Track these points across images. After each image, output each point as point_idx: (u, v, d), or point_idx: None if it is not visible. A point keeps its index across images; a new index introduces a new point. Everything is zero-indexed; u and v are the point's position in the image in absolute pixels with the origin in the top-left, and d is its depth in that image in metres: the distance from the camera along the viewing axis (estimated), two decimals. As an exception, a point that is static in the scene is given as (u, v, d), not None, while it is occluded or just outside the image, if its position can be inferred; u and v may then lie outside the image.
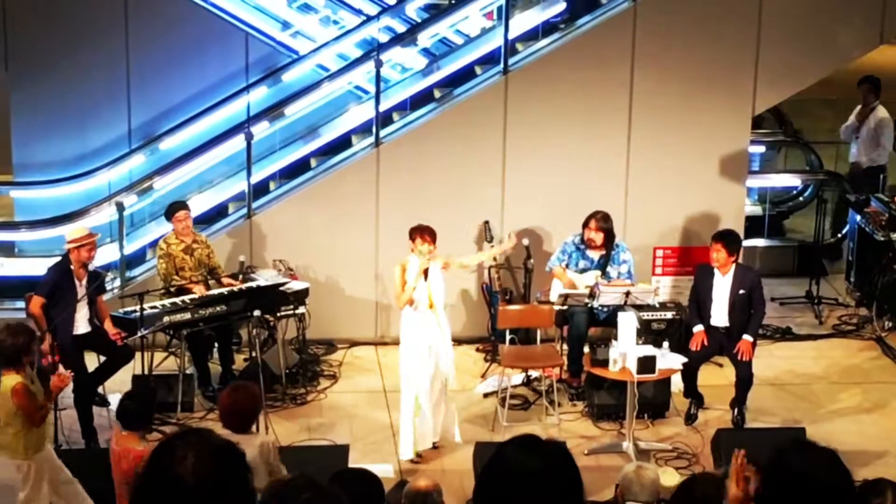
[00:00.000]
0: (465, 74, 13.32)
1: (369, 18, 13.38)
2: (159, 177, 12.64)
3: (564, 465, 3.67)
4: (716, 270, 10.95)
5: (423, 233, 10.31)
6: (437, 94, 13.27)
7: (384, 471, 9.63)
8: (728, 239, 10.99)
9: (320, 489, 3.60)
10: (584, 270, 11.54)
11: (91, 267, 10.76)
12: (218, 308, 11.04)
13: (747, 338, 10.81)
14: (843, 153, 16.54)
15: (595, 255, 11.54)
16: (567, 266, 11.61)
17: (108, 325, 10.73)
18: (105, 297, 11.35)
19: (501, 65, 12.60)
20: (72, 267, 10.46)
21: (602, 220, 11.47)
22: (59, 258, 10.66)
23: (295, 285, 11.59)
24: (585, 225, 11.49)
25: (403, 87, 13.46)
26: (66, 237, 10.67)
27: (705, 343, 10.90)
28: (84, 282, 10.53)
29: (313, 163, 13.16)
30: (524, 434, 3.80)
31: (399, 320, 10.49)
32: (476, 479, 3.77)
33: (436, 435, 10.46)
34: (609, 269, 11.51)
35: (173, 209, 11.54)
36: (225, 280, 11.53)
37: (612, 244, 11.54)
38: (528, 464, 3.63)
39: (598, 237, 11.44)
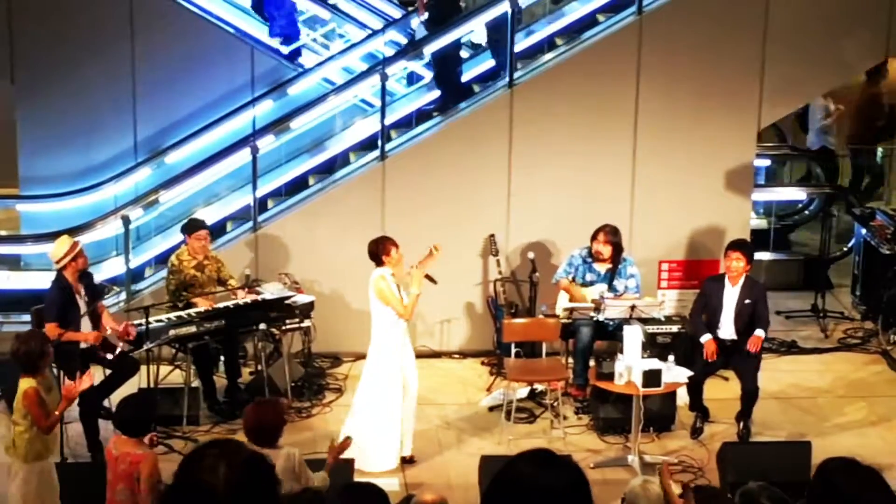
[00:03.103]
0: (470, 88, 13.37)
1: (375, 32, 13.40)
2: (165, 190, 12.65)
3: (578, 482, 3.61)
4: (726, 282, 10.95)
5: (393, 242, 10.34)
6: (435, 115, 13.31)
7: (390, 484, 9.61)
8: (747, 248, 11.03)
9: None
10: (590, 283, 11.54)
11: (96, 280, 10.76)
12: (224, 321, 11.04)
13: (759, 333, 10.81)
14: (849, 167, 16.53)
15: (602, 268, 11.54)
16: (574, 279, 11.61)
17: (107, 319, 10.68)
18: (111, 311, 11.33)
19: (507, 78, 12.62)
20: (69, 283, 10.42)
21: (611, 234, 11.47)
22: (55, 276, 10.57)
23: (300, 299, 11.59)
24: (594, 238, 11.49)
25: (409, 100, 13.48)
26: (53, 257, 10.51)
27: (713, 356, 10.88)
28: (83, 294, 10.51)
29: (311, 180, 13.15)
30: (537, 448, 3.72)
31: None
32: (484, 493, 3.73)
33: (406, 448, 10.51)
34: (616, 282, 11.50)
35: (195, 226, 11.49)
36: (240, 292, 11.50)
37: (620, 258, 11.54)
38: (541, 480, 3.57)
39: (607, 250, 11.44)
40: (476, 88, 13.18)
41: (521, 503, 3.54)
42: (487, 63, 13.56)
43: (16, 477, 8.60)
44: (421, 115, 13.28)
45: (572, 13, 13.41)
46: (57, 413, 8.63)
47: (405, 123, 13.26)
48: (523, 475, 3.59)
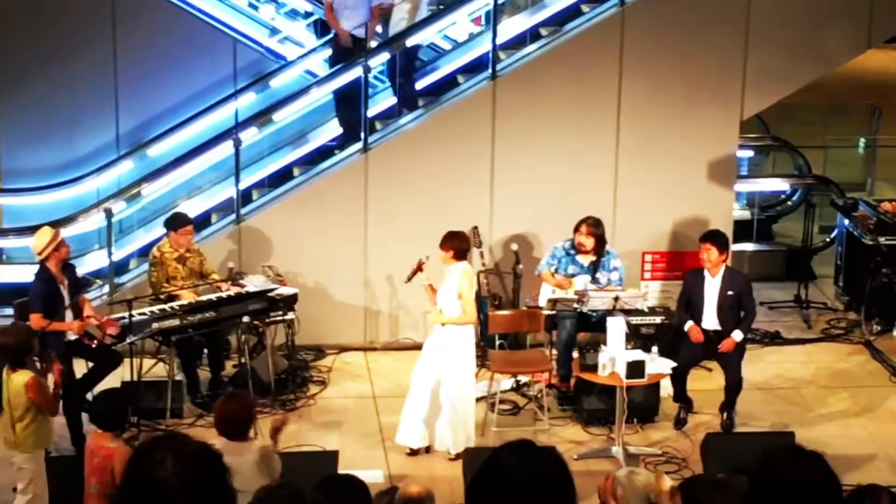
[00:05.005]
0: (453, 80, 13.34)
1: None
2: (147, 183, 12.60)
3: (559, 471, 3.66)
4: (706, 273, 10.95)
5: (448, 243, 10.43)
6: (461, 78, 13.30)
7: (373, 476, 9.61)
8: (717, 238, 11.00)
9: (304, 498, 3.61)
10: (573, 276, 11.52)
11: (79, 273, 10.73)
12: (207, 314, 11.02)
13: (735, 335, 10.81)
14: (832, 157, 16.58)
15: (585, 260, 11.52)
16: (556, 272, 11.59)
17: (89, 311, 10.65)
18: (94, 304, 11.30)
19: (489, 70, 12.61)
20: (53, 274, 10.38)
21: (593, 226, 11.44)
22: (38, 269, 10.49)
23: (284, 291, 11.56)
24: (576, 229, 11.47)
25: (391, 93, 13.46)
26: (35, 249, 10.42)
27: (700, 337, 10.88)
28: (66, 285, 10.47)
29: (296, 171, 13.13)
30: (519, 439, 3.78)
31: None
32: (468, 484, 3.76)
33: (435, 442, 10.50)
34: (598, 275, 11.49)
35: (181, 222, 11.43)
36: (223, 285, 11.47)
37: (603, 250, 11.53)
38: (523, 470, 3.62)
39: (589, 242, 11.42)
40: (378, 125, 13.13)
41: (505, 493, 3.59)
42: (390, 100, 13.38)
43: (24, 470, 8.69)
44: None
45: (554, 4, 13.39)
46: (51, 398, 8.81)
47: (387, 116, 13.24)
48: (506, 465, 3.64)
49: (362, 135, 12.59)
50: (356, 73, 12.73)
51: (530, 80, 12.55)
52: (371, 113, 13.06)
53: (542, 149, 12.57)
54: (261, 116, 12.83)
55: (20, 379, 8.58)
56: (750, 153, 15.66)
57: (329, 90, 13.02)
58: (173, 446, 3.43)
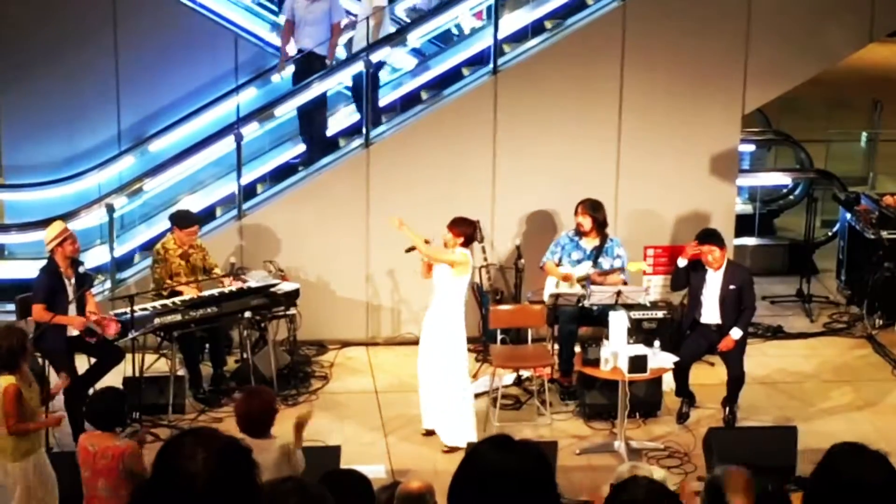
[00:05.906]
0: (455, 74, 13.33)
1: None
2: (149, 178, 12.59)
3: (538, 464, 3.66)
4: (708, 267, 10.94)
5: (452, 228, 10.43)
6: (424, 95, 13.26)
7: (376, 472, 9.61)
8: (713, 237, 10.96)
9: (307, 494, 3.60)
10: (578, 262, 11.50)
11: (82, 269, 10.73)
12: (208, 310, 11.02)
13: (734, 333, 10.79)
14: (834, 151, 16.57)
15: (588, 245, 11.50)
16: (560, 260, 11.57)
17: (92, 307, 10.63)
18: (96, 299, 11.30)
19: (491, 64, 12.59)
20: (60, 269, 10.39)
21: (589, 208, 11.43)
22: (45, 261, 10.54)
23: (285, 286, 11.56)
24: (575, 211, 11.49)
25: (393, 87, 13.45)
26: (45, 240, 10.50)
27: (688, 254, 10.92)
28: (73, 281, 10.47)
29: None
30: (497, 434, 3.81)
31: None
32: (451, 481, 3.76)
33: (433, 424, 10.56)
34: (601, 260, 11.47)
35: (189, 222, 11.40)
36: (225, 280, 11.47)
37: (605, 235, 11.50)
38: (503, 464, 3.63)
39: (586, 222, 11.40)
40: (342, 143, 13.10)
41: (487, 488, 3.59)
42: (353, 117, 13.31)
43: (12, 478, 8.43)
44: (405, 102, 13.26)
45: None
46: (32, 426, 8.47)
47: (389, 110, 13.23)
48: (486, 460, 3.65)
49: (364, 129, 12.59)
50: (357, 67, 12.75)
51: (532, 75, 12.54)
52: (331, 132, 13.13)
53: (543, 143, 12.57)
54: (262, 111, 12.82)
55: (2, 383, 8.31)
56: (752, 147, 15.66)
57: (333, 83, 13.00)
58: (203, 440, 3.42)
